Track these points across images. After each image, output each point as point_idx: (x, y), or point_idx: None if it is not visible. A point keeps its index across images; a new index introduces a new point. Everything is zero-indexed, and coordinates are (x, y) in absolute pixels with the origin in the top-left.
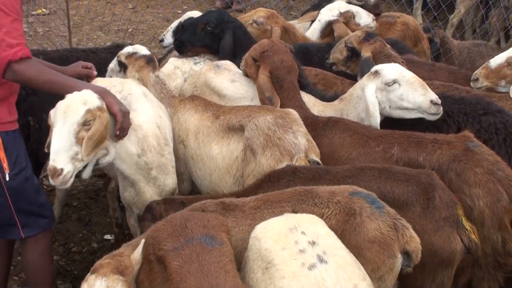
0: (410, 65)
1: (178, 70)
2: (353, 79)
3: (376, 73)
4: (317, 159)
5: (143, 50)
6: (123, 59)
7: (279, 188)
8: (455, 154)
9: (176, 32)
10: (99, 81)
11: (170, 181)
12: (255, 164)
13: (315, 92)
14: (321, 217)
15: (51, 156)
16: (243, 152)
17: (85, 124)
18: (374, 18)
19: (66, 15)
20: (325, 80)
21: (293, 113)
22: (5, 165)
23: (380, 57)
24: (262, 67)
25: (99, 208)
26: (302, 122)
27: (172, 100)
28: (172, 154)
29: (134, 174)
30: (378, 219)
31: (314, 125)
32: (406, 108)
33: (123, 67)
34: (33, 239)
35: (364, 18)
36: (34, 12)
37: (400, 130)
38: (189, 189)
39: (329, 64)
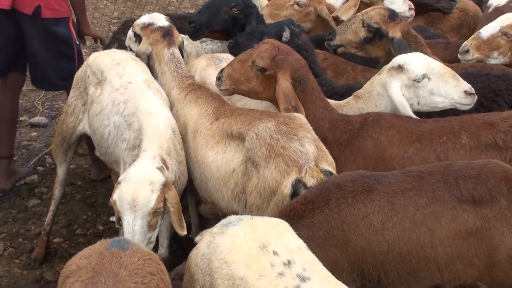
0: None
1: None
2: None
3: (400, 68)
4: (330, 169)
5: (160, 20)
6: (137, 30)
7: (328, 212)
8: None
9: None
10: (101, 55)
11: (184, 180)
12: (258, 179)
13: (326, 80)
14: None
15: None
16: (244, 166)
17: (156, 211)
18: (412, 7)
19: None
20: (335, 66)
21: (299, 117)
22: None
23: (408, 38)
24: (281, 74)
25: (105, 189)
26: (310, 127)
27: (185, 80)
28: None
29: None
30: None
31: (348, 126)
32: (437, 102)
33: (138, 38)
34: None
35: (398, 3)
36: None
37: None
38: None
39: (334, 46)
